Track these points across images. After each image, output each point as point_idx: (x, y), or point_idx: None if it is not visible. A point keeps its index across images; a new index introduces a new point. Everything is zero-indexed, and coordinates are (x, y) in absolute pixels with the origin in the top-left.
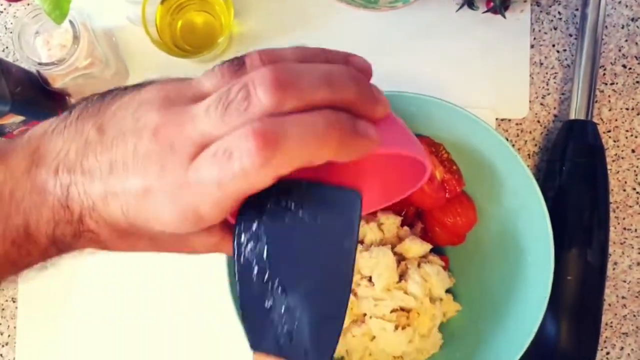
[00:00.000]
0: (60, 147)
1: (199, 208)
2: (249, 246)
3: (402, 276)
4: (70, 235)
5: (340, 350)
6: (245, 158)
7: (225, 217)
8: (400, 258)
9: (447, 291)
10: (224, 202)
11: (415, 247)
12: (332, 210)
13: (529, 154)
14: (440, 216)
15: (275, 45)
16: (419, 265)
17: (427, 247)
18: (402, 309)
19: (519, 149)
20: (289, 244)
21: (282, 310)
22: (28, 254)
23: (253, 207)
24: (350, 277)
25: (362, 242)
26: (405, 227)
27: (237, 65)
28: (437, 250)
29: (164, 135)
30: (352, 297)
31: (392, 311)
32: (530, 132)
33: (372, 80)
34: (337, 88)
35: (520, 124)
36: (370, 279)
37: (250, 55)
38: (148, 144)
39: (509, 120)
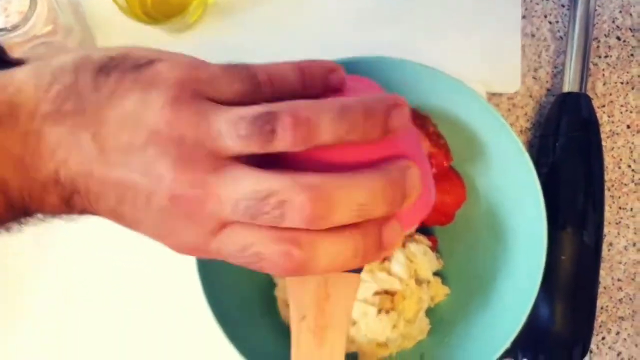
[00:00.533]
0: (56, 145)
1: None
2: None
3: (385, 257)
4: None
5: None
6: (273, 269)
7: None
8: None
9: (436, 274)
10: None
11: None
12: None
13: (521, 130)
14: None
15: (253, 17)
16: (403, 245)
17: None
18: (386, 292)
19: (510, 125)
20: None
21: None
22: None
23: None
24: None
25: None
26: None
27: (267, 125)
28: (424, 231)
29: (184, 205)
30: None
31: (374, 294)
32: (522, 107)
33: (355, 51)
34: (372, 213)
35: (512, 98)
36: None
37: (282, 118)
38: (163, 203)
39: (500, 94)
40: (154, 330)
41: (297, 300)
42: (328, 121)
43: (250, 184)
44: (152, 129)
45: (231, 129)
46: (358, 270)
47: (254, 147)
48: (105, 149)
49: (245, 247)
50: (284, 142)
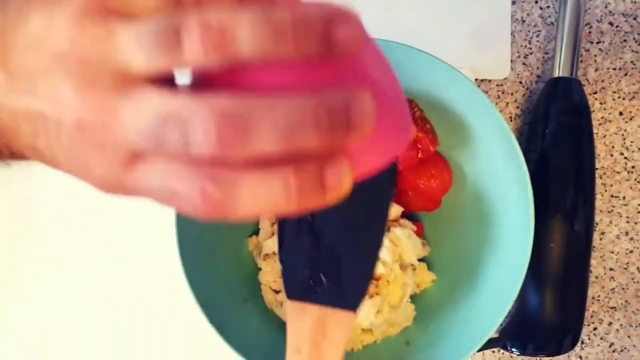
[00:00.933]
0: None
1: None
2: None
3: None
4: None
5: None
6: (190, 210)
7: None
8: None
9: (422, 260)
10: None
11: None
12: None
13: (510, 117)
14: (412, 178)
15: None
16: (388, 229)
17: (398, 209)
18: None
19: (500, 111)
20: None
21: (320, 258)
22: None
23: None
24: (384, 222)
25: None
26: None
27: (172, 36)
28: (410, 217)
29: (90, 133)
30: None
31: None
32: (512, 94)
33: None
34: (299, 141)
35: (501, 85)
36: None
37: (189, 25)
38: (71, 132)
39: (489, 81)
40: (137, 318)
41: (294, 331)
42: (247, 28)
43: (153, 105)
44: (55, 50)
45: (135, 43)
46: (354, 308)
47: (161, 62)
48: (13, 76)
49: (160, 182)
50: (192, 53)
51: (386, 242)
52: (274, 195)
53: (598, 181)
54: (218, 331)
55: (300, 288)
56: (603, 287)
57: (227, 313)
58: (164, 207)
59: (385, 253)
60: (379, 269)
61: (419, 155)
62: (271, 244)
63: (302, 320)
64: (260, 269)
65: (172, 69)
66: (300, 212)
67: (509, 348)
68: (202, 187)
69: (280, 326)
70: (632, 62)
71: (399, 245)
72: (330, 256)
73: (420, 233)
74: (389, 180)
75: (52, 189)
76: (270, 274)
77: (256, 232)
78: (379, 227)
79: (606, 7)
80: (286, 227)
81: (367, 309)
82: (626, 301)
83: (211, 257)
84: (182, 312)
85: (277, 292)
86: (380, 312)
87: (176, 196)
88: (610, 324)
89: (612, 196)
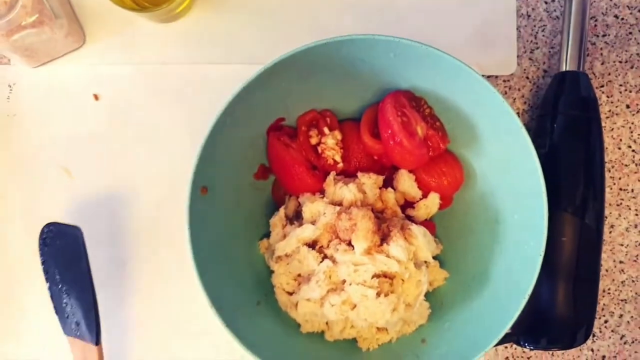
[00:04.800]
0: None
1: None
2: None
3: (384, 239)
4: None
5: (319, 323)
6: None
7: None
8: (383, 220)
9: (434, 258)
10: None
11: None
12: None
13: (518, 112)
14: (423, 177)
15: (242, 6)
16: (402, 228)
17: (417, 192)
18: (385, 275)
19: None
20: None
21: (69, 307)
22: None
23: None
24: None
25: (340, 204)
26: (390, 189)
27: None
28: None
29: None
30: (329, 263)
31: (373, 276)
32: (519, 89)
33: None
34: None
35: (508, 80)
36: (349, 243)
37: None
38: None
39: (496, 77)
40: (153, 320)
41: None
42: None
43: None
44: None
45: None
46: (93, 342)
47: None
48: None
49: None
50: None
51: (401, 241)
52: None
53: (607, 174)
54: (234, 334)
55: (68, 326)
56: (613, 280)
57: (242, 316)
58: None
59: (399, 251)
60: (394, 267)
61: (430, 153)
62: (283, 246)
63: (75, 352)
64: (272, 272)
65: None
66: None
67: (522, 343)
68: None
69: (294, 327)
70: (638, 54)
71: (414, 244)
72: (66, 297)
73: (432, 231)
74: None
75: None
76: (283, 276)
77: (267, 234)
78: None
79: (611, 0)
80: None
81: (383, 307)
82: (636, 293)
83: (224, 262)
84: (196, 316)
85: (290, 293)
86: (396, 310)
87: None
88: (621, 316)
89: (620, 189)
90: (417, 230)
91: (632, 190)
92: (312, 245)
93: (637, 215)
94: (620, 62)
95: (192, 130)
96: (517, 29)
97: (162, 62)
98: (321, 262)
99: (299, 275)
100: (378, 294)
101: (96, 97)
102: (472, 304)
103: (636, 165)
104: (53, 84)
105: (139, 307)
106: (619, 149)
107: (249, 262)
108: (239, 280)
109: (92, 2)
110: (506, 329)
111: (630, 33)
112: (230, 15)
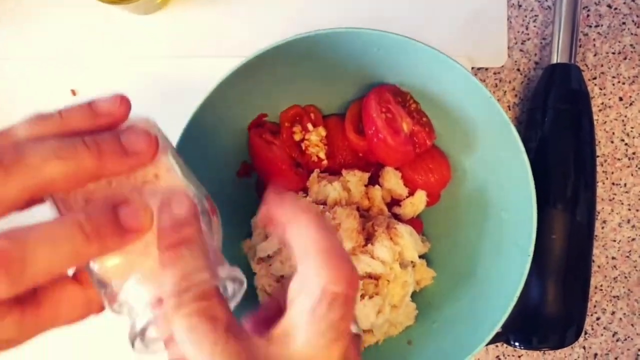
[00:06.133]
0: None
1: None
2: None
3: (368, 239)
4: None
5: None
6: None
7: None
8: (368, 218)
9: (421, 257)
10: None
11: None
12: None
13: (508, 106)
14: (410, 174)
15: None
16: (388, 227)
17: (404, 190)
18: (370, 276)
19: (497, 100)
20: None
21: None
22: None
23: None
24: None
25: (324, 203)
26: (377, 186)
27: None
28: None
29: None
30: None
31: None
32: (509, 82)
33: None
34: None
35: (499, 72)
36: None
37: None
38: None
39: (486, 69)
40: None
41: None
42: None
43: None
44: None
45: None
46: None
47: None
48: None
49: None
50: None
51: (386, 241)
52: (72, 237)
53: (599, 169)
54: None
55: None
56: (605, 277)
57: None
58: None
59: (384, 252)
60: (379, 268)
61: (416, 150)
62: (265, 247)
63: None
64: (255, 273)
65: None
66: (106, 252)
67: (512, 342)
68: None
69: None
70: (631, 45)
71: (399, 244)
72: None
73: (419, 229)
74: None
75: None
76: (265, 278)
77: (250, 234)
78: None
79: None
80: None
81: (368, 310)
82: (629, 290)
83: None
84: None
85: None
86: (381, 312)
87: None
88: (613, 313)
89: (613, 184)
90: (404, 230)
91: (625, 185)
92: None
93: (629, 210)
94: (614, 53)
95: (173, 125)
96: (507, 19)
97: (142, 56)
98: None
99: (282, 276)
100: (362, 296)
101: (74, 92)
102: (460, 304)
103: (629, 159)
104: (30, 79)
105: None
106: (612, 142)
107: (232, 263)
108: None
109: None
110: (495, 330)
111: (624, 23)
112: (211, 7)
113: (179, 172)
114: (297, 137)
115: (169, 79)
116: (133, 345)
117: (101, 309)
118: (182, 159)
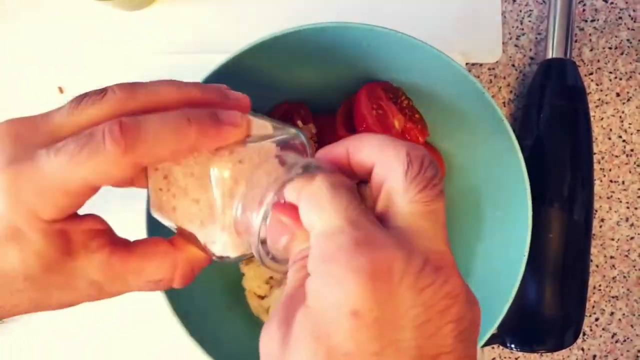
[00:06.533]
0: None
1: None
2: None
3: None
4: None
5: None
6: (109, 142)
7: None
8: None
9: None
10: (74, 188)
11: None
12: None
13: (503, 102)
14: None
15: None
16: None
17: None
18: None
19: (492, 96)
20: None
21: None
22: None
23: None
24: None
25: None
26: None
27: (86, 94)
28: None
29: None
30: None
31: None
32: (504, 78)
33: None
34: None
35: (493, 68)
36: None
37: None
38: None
39: (481, 65)
40: (111, 335)
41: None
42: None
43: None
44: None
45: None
46: None
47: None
48: None
49: (82, 137)
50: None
51: None
52: (176, 120)
53: (596, 166)
54: (197, 342)
55: None
56: (604, 276)
57: (210, 323)
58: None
59: None
60: None
61: None
62: None
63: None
64: (243, 274)
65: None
66: (205, 144)
67: (508, 344)
68: (114, 121)
69: None
70: (628, 40)
71: None
72: None
73: None
74: None
75: None
76: (254, 279)
77: None
78: None
79: None
80: None
81: None
82: (628, 289)
83: None
84: (159, 326)
85: (262, 297)
86: None
87: (95, 138)
88: (612, 313)
89: (611, 181)
90: None
91: (623, 182)
92: None
93: (628, 208)
94: (610, 48)
95: None
96: (502, 14)
97: (129, 52)
98: None
99: (271, 278)
100: None
101: (61, 89)
102: None
103: (627, 156)
104: (15, 77)
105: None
106: (609, 139)
107: (218, 265)
108: (207, 285)
109: None
110: (490, 331)
111: (620, 18)
112: (199, 3)
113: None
114: None
115: (157, 75)
116: (262, 259)
117: (183, 279)
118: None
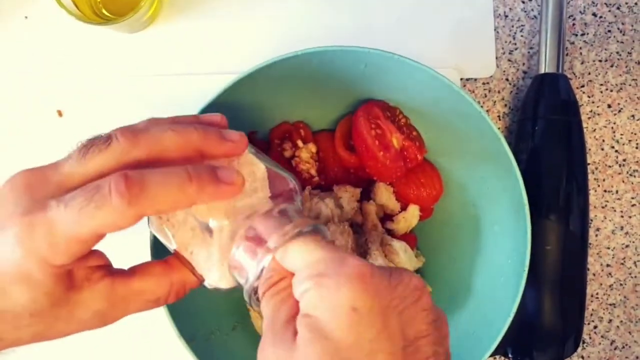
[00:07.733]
0: None
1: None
2: None
3: (362, 256)
4: None
5: None
6: (115, 195)
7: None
8: (362, 234)
9: (416, 272)
10: (83, 238)
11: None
12: None
13: (498, 116)
14: (402, 188)
15: (212, 12)
16: (381, 243)
17: (396, 205)
18: None
19: (487, 111)
20: None
21: None
22: None
23: None
24: None
25: (317, 218)
26: (371, 201)
27: (92, 142)
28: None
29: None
30: None
31: None
32: (498, 92)
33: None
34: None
35: (488, 83)
36: None
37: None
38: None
39: (475, 79)
40: (114, 347)
41: None
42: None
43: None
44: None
45: (67, 163)
46: None
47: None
48: None
49: (87, 188)
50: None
51: (380, 258)
52: (178, 176)
53: (590, 176)
54: None
55: None
56: (601, 285)
57: (216, 344)
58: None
59: None
60: None
61: (407, 165)
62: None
63: None
64: None
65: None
66: (203, 200)
67: (509, 355)
68: (121, 174)
69: None
70: (617, 52)
71: (394, 261)
72: None
73: (413, 243)
74: None
75: None
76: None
77: None
78: None
79: None
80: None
81: None
82: (625, 297)
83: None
84: (162, 347)
85: None
86: None
87: (103, 190)
88: (610, 321)
89: (605, 191)
90: (398, 247)
91: (617, 192)
92: None
93: (622, 217)
94: (600, 61)
95: None
96: (494, 29)
97: (127, 74)
98: None
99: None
100: None
101: (60, 113)
102: (456, 320)
103: (620, 166)
104: (14, 101)
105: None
106: (602, 149)
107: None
108: (213, 306)
109: (52, 16)
110: (492, 348)
111: (609, 31)
112: (198, 24)
113: (267, 163)
114: (287, 154)
115: (158, 97)
116: (250, 302)
117: (177, 297)
118: (264, 155)
